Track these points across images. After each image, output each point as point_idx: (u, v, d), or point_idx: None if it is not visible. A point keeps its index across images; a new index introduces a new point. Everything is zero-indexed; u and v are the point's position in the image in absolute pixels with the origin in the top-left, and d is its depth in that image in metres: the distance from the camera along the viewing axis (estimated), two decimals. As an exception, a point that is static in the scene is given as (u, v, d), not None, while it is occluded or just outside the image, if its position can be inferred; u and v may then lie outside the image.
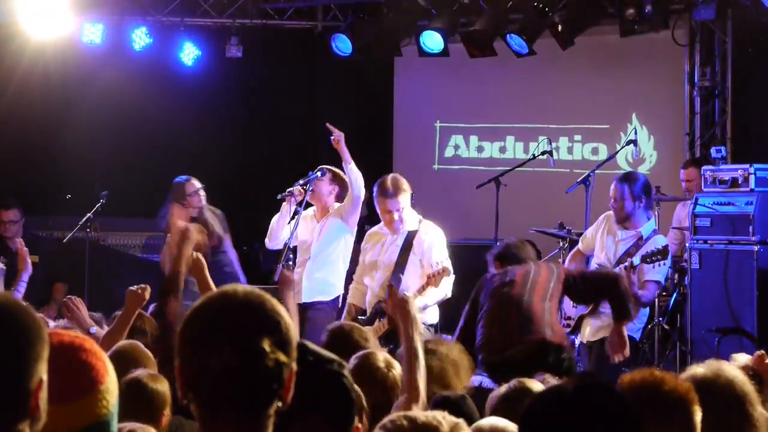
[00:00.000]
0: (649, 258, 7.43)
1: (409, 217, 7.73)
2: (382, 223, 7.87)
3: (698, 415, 2.90)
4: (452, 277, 7.58)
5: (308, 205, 8.44)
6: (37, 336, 1.99)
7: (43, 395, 1.99)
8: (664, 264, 7.55)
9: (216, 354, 2.20)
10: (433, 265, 7.50)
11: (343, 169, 8.23)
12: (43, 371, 1.99)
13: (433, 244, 7.67)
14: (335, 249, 8.36)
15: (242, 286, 2.31)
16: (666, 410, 2.89)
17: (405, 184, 7.71)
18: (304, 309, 7.88)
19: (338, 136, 8.12)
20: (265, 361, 2.20)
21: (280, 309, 2.28)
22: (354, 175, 8.12)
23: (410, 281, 7.61)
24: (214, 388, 2.21)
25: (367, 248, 7.96)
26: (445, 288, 7.60)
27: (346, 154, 8.09)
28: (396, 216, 7.64)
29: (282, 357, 2.23)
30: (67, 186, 11.42)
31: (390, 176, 7.81)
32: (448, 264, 7.54)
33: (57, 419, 2.17)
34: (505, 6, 11.35)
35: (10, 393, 1.95)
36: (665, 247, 7.50)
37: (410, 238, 7.70)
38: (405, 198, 7.66)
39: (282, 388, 2.25)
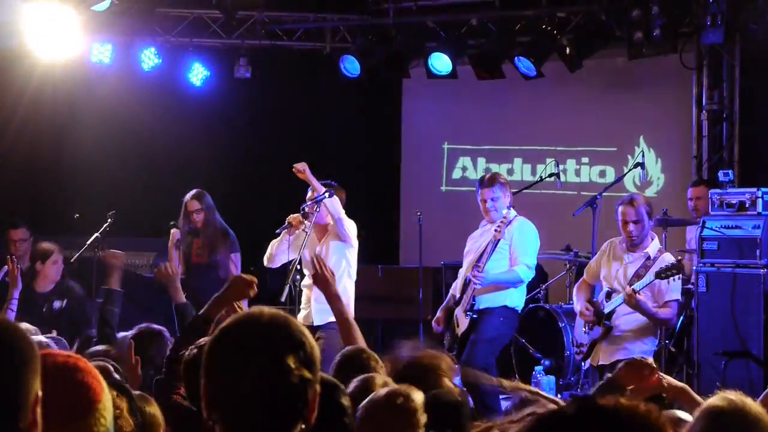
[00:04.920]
0: (664, 273, 7.41)
1: (504, 208, 8.17)
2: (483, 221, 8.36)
3: None
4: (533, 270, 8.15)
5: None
6: (30, 353, 2.00)
7: (39, 410, 2.00)
8: (680, 278, 7.56)
9: (241, 372, 2.20)
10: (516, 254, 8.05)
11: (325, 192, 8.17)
12: (38, 387, 2.00)
13: (522, 231, 8.11)
14: (338, 267, 8.34)
15: (267, 308, 2.32)
16: None
17: (501, 178, 8.32)
18: (316, 330, 7.85)
19: (301, 166, 8.19)
20: (291, 378, 2.20)
21: (304, 329, 2.29)
22: (327, 205, 8.10)
23: (496, 264, 8.03)
24: (239, 407, 2.21)
25: (471, 241, 8.38)
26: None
27: (314, 183, 8.15)
28: (490, 204, 8.13)
29: (307, 374, 2.23)
30: (76, 205, 11.45)
31: (489, 171, 8.33)
32: (531, 258, 8.10)
33: None
34: (514, 28, 11.38)
35: (9, 409, 1.95)
36: (679, 261, 7.51)
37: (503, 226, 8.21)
38: (500, 189, 8.15)
39: (306, 408, 2.25)
